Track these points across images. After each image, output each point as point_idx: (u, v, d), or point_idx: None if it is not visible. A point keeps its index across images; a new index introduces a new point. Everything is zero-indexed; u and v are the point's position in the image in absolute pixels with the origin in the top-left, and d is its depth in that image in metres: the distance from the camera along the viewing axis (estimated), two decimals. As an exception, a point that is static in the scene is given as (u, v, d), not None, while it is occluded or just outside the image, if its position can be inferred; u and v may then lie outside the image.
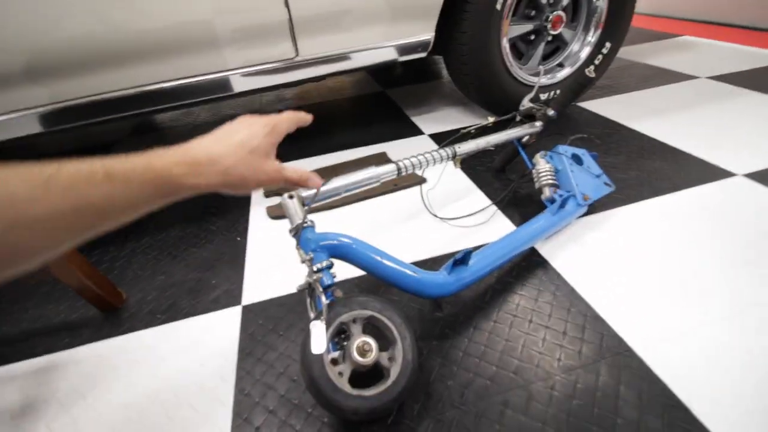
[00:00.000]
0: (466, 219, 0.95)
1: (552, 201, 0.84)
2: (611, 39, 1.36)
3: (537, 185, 0.88)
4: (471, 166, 1.18)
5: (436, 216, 0.96)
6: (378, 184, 0.74)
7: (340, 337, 0.58)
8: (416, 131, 1.46)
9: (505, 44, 1.25)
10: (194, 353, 0.71)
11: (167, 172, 0.41)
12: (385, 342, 0.57)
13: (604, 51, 1.38)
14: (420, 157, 0.79)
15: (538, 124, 0.97)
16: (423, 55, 1.24)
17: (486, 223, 0.93)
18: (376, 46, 1.17)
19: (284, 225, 1.02)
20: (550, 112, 0.95)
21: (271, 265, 0.90)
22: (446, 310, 0.72)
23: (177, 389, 0.65)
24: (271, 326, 0.74)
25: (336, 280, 0.60)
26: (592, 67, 0.93)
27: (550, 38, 1.35)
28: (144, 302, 0.84)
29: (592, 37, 1.37)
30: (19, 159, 0.33)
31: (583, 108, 1.47)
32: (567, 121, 1.38)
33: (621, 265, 0.77)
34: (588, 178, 0.88)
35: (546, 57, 1.43)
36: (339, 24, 1.10)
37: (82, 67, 0.97)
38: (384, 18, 1.13)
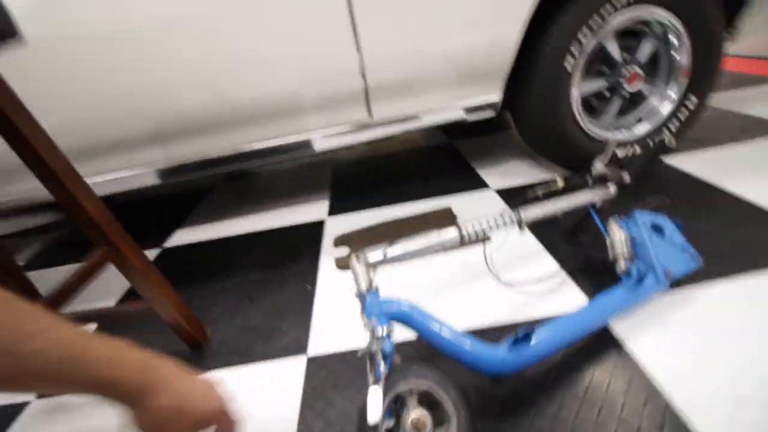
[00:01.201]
0: (532, 285, 0.92)
1: (628, 275, 0.79)
2: (697, 93, 1.28)
3: (611, 256, 0.84)
4: (539, 225, 1.16)
5: (499, 279, 0.95)
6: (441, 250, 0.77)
7: (396, 405, 0.59)
8: (482, 185, 1.47)
9: (576, 101, 1.24)
10: (263, 398, 0.77)
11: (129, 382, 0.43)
12: (439, 415, 0.57)
13: (690, 105, 1.29)
14: (484, 223, 0.81)
15: (612, 188, 0.94)
16: (492, 115, 1.27)
17: (554, 292, 0.90)
18: (445, 107, 1.24)
19: (350, 276, 1.08)
20: (626, 178, 0.91)
21: (336, 317, 0.95)
22: (506, 386, 0.70)
23: (246, 434, 0.71)
24: (332, 381, 0.78)
25: (397, 340, 0.62)
26: (672, 138, 0.87)
27: (626, 95, 1.30)
28: (224, 343, 0.93)
29: (673, 92, 1.29)
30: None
31: (668, 164, 1.38)
32: (648, 179, 1.30)
33: (709, 356, 0.69)
34: (670, 249, 0.82)
35: (624, 111, 1.38)
36: (410, 90, 1.18)
37: (194, 132, 1.16)
38: (452, 82, 1.19)
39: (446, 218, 1.27)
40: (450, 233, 0.78)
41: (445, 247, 0.77)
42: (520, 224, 0.84)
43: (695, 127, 1.58)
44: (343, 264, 1.13)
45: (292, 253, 1.24)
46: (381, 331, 0.62)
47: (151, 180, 1.25)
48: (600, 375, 0.69)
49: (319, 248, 1.25)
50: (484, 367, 0.63)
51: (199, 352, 0.92)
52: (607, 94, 1.31)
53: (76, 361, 0.39)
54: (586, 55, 1.18)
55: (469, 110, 1.24)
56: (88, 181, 0.72)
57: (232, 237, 1.43)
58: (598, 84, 1.27)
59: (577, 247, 1.04)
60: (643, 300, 0.79)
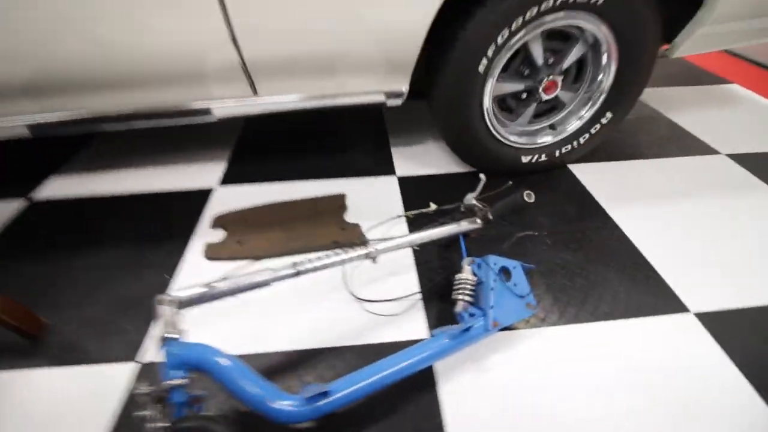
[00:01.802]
0: (382, 305, 0.93)
1: (461, 318, 0.81)
2: (614, 109, 1.22)
3: (453, 295, 0.84)
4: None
5: (353, 295, 0.95)
6: (273, 280, 0.73)
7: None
8: (389, 170, 1.40)
9: (488, 102, 1.14)
10: (77, 407, 0.76)
11: None
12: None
13: (604, 121, 1.24)
14: (328, 259, 0.77)
15: (479, 221, 0.92)
16: (397, 104, 1.16)
17: (401, 317, 0.91)
18: (345, 92, 1.10)
19: (220, 269, 1.03)
20: (490, 217, 0.89)
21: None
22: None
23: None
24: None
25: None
26: (531, 194, 0.85)
27: (542, 101, 1.22)
28: (59, 337, 0.88)
29: (587, 111, 1.23)
30: None
31: (570, 171, 1.36)
32: (543, 185, 1.28)
33: (518, 407, 0.75)
34: (510, 298, 0.83)
35: (542, 114, 1.30)
36: (299, 69, 1.03)
37: (74, 87, 0.98)
38: (351, 67, 1.05)
39: (336, 207, 1.21)
40: (284, 270, 0.74)
41: (277, 279, 0.74)
42: (369, 257, 0.81)
43: (619, 129, 1.57)
44: (212, 254, 1.07)
45: (164, 230, 1.16)
46: (169, 384, 0.60)
47: (20, 132, 1.07)
48: (402, 417, 0.73)
49: (194, 227, 1.17)
50: (276, 417, 0.64)
51: (34, 344, 0.88)
52: (523, 96, 1.22)
53: None
54: (505, 56, 1.06)
55: (369, 95, 1.12)
56: None
57: (107, 197, 1.30)
58: (516, 86, 1.18)
59: (446, 264, 1.04)
60: (468, 344, 0.82)
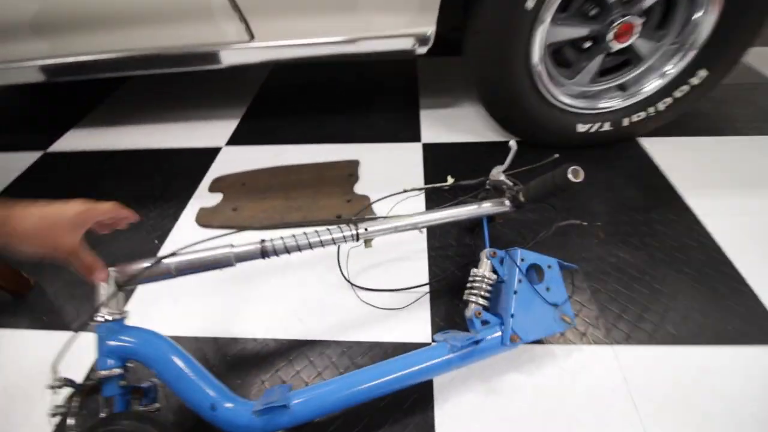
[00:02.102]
0: (381, 296, 0.78)
1: (472, 325, 0.64)
2: (711, 66, 0.92)
3: (465, 295, 0.67)
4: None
5: (347, 280, 0.81)
6: (232, 261, 0.61)
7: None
8: (414, 135, 1.21)
9: (537, 53, 0.90)
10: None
11: None
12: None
13: (694, 81, 0.95)
14: (304, 238, 0.62)
15: (507, 203, 0.72)
16: (422, 52, 0.95)
17: (401, 311, 0.76)
18: (356, 36, 0.91)
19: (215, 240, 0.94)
20: (521, 198, 0.68)
21: (161, 290, 0.84)
22: None
23: None
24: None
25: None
26: (578, 172, 0.60)
27: (611, 53, 0.95)
28: (41, 299, 0.84)
29: (672, 67, 0.94)
30: None
31: (639, 146, 1.09)
32: (601, 161, 1.03)
33: None
34: (538, 305, 0.64)
35: (607, 71, 1.03)
36: (300, 6, 0.85)
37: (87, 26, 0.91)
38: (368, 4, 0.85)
39: (345, 175, 1.06)
40: (248, 247, 0.61)
41: (241, 259, 0.61)
42: (358, 239, 0.66)
43: (708, 98, 1.24)
44: (204, 220, 0.97)
45: (165, 190, 1.08)
46: (104, 373, 0.51)
47: (35, 76, 1.03)
48: (382, 442, 0.60)
49: (194, 188, 1.08)
50: (223, 426, 0.53)
51: (20, 303, 0.84)
52: (586, 46, 0.95)
53: None
54: (564, -15, 0.81)
55: (386, 40, 0.92)
56: None
57: (118, 151, 1.25)
58: (577, 31, 0.91)
59: (466, 251, 0.86)
60: (477, 360, 0.65)
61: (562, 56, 0.99)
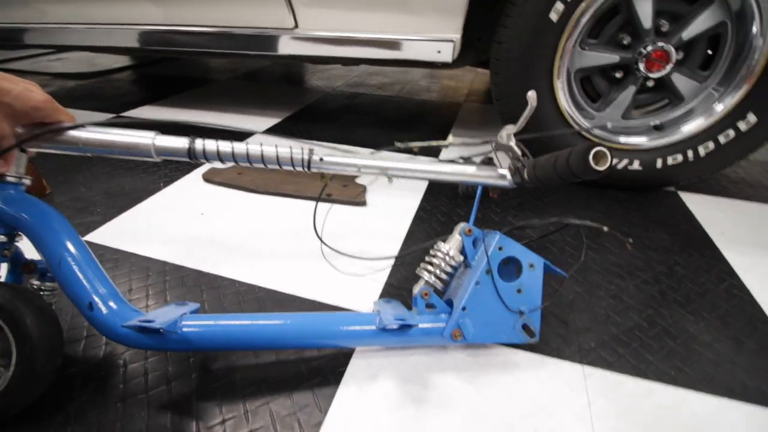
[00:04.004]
0: (345, 262, 0.73)
1: (415, 303, 0.56)
2: (760, 109, 0.83)
3: (418, 269, 0.57)
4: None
5: (315, 231, 0.77)
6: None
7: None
8: (433, 152, 1.21)
9: (563, 75, 0.89)
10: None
11: None
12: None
13: (742, 127, 0.85)
14: (240, 147, 0.57)
15: (507, 176, 0.59)
16: (446, 60, 0.98)
17: (360, 278, 0.70)
18: (389, 38, 0.98)
19: (213, 193, 0.98)
20: (525, 176, 0.55)
21: (149, 220, 0.87)
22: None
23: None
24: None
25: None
26: (605, 155, 0.45)
27: (650, 83, 0.90)
28: (53, 203, 0.92)
29: (716, 105, 0.86)
30: None
31: (677, 196, 0.97)
32: (628, 203, 0.92)
33: None
34: (494, 306, 0.53)
35: (643, 107, 0.97)
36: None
37: None
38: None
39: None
40: (175, 141, 0.58)
41: (164, 154, 0.57)
42: (308, 165, 0.56)
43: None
44: (208, 176, 1.02)
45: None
46: None
47: (128, 41, 1.23)
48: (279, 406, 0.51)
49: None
50: (99, 327, 0.48)
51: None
52: (618, 75, 0.92)
53: None
54: (592, 6, 0.81)
55: (417, 44, 0.97)
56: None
57: (170, 123, 1.40)
58: (607, 57, 0.89)
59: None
60: (406, 346, 0.56)
61: (592, 87, 0.96)
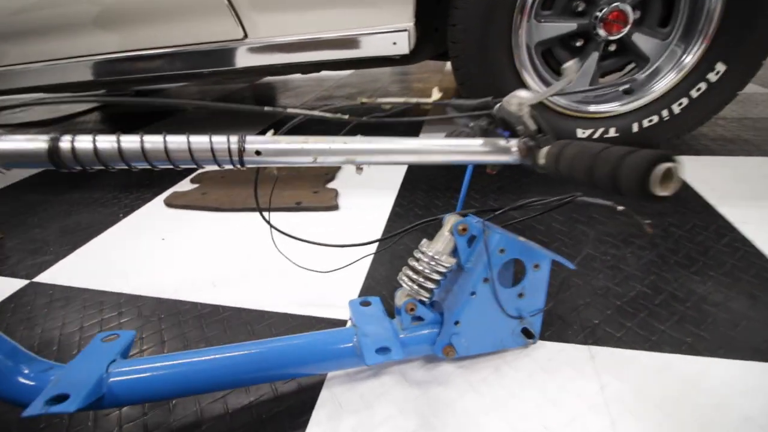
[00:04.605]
0: (318, 263, 0.66)
1: (398, 313, 0.48)
2: (728, 60, 0.80)
3: (400, 274, 0.48)
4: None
5: (262, 216, 0.70)
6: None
7: None
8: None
9: (522, 49, 0.86)
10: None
11: None
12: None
13: (711, 78, 0.82)
14: (130, 143, 0.40)
15: (514, 149, 0.45)
16: (403, 51, 0.95)
17: (331, 275, 0.63)
18: (343, 35, 0.95)
19: (175, 218, 0.92)
20: (540, 159, 0.42)
21: (99, 255, 0.80)
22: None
23: None
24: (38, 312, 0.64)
25: None
26: (658, 177, 0.31)
27: (612, 47, 0.88)
28: (8, 249, 0.85)
29: (685, 57, 0.83)
30: None
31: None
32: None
33: None
34: (497, 314, 0.47)
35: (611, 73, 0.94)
36: (290, 3, 0.92)
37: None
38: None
39: (323, 174, 1.01)
40: (28, 143, 0.38)
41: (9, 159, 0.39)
42: (241, 161, 0.42)
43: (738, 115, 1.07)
44: (169, 200, 0.96)
45: (153, 179, 1.11)
46: None
47: (83, 74, 1.16)
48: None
49: (181, 179, 1.09)
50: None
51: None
52: (579, 44, 0.89)
53: None
54: (543, -26, 0.79)
55: (372, 38, 0.94)
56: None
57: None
58: (564, 26, 0.86)
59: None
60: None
61: (555, 60, 0.94)
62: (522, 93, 0.44)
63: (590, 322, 0.53)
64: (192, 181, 1.07)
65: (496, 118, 0.48)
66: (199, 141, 0.41)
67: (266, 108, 0.41)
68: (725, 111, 1.23)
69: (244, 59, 1.03)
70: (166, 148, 0.40)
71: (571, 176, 0.39)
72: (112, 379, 0.40)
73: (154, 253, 0.77)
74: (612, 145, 0.35)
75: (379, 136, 0.47)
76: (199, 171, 1.11)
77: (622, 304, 0.55)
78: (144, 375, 0.41)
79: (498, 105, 0.46)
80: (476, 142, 0.45)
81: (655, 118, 0.88)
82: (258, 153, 0.42)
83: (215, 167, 0.43)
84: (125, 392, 0.40)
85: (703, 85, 0.83)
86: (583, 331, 0.52)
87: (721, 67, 0.81)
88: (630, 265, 0.62)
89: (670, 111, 0.87)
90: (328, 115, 0.46)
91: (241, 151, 0.42)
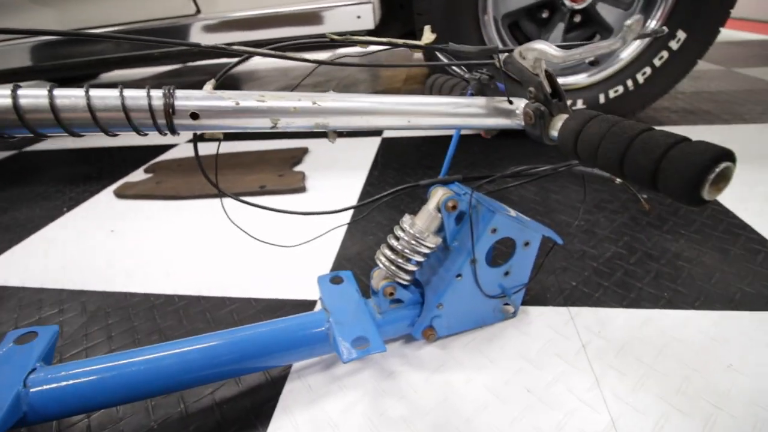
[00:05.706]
0: (287, 239, 0.62)
1: (375, 297, 0.45)
2: (688, 28, 0.81)
3: (377, 253, 0.44)
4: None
5: (213, 184, 0.65)
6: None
7: None
8: (378, 132, 1.13)
9: (488, 24, 0.84)
10: None
11: None
12: None
13: (673, 46, 0.83)
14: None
15: (519, 113, 0.38)
16: (368, 26, 0.91)
17: (301, 248, 0.59)
18: (294, 11, 0.90)
19: (127, 209, 0.84)
20: (552, 132, 0.34)
21: (47, 250, 0.72)
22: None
23: None
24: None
25: None
26: (712, 183, 0.24)
27: (577, 19, 0.87)
28: None
29: (651, 24, 0.84)
30: None
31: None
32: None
33: None
34: (476, 295, 0.44)
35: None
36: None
37: None
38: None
39: (288, 158, 0.96)
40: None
41: None
42: (171, 126, 0.32)
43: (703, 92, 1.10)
44: (120, 191, 0.88)
45: (102, 173, 1.03)
46: None
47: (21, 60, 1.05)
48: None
49: (134, 170, 1.01)
50: None
51: None
52: (545, 15, 0.88)
53: None
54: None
55: (335, 12, 0.90)
56: None
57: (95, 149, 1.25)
58: (529, -3, 0.85)
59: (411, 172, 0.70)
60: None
61: (522, 33, 0.93)
62: (542, 46, 0.33)
63: (568, 284, 0.51)
64: (146, 171, 0.99)
65: (500, 71, 0.38)
66: (103, 95, 0.30)
67: (204, 44, 0.35)
68: (685, 86, 1.26)
69: (200, 39, 0.96)
70: (52, 104, 0.29)
71: (590, 159, 0.30)
72: (34, 391, 0.33)
73: (101, 247, 0.70)
74: (649, 126, 0.28)
75: (355, 93, 0.37)
76: (154, 160, 1.04)
77: (598, 265, 0.54)
78: (76, 381, 0.34)
79: (505, 55, 0.36)
80: (477, 102, 0.38)
81: (621, 89, 0.88)
82: (195, 116, 0.32)
83: (132, 133, 0.32)
84: (55, 405, 0.33)
85: (665, 54, 0.84)
86: (562, 294, 0.50)
87: (681, 35, 0.82)
88: (604, 229, 0.61)
89: (635, 81, 0.87)
90: (288, 54, 0.35)
91: (169, 110, 0.31)
